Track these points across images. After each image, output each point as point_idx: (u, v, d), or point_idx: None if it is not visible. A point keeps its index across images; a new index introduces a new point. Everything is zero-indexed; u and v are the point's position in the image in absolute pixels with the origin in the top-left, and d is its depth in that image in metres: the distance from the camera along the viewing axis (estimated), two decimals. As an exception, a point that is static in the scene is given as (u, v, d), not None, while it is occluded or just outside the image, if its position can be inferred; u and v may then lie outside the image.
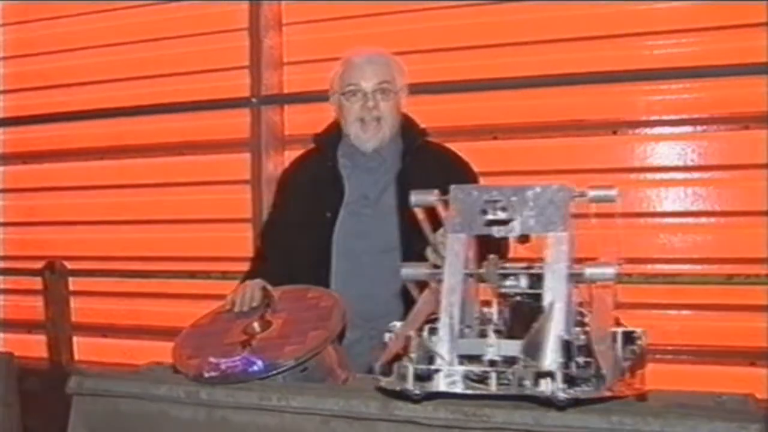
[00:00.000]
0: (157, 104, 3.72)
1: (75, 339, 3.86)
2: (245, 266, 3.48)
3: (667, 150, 3.14)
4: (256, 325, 1.74)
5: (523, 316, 1.47)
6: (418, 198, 1.57)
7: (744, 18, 2.94)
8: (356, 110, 2.09)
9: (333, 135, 2.18)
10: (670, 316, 2.96)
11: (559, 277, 1.41)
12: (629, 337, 1.49)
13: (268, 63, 3.59)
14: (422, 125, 2.21)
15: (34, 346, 3.89)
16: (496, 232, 1.45)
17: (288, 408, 1.50)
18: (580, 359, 1.32)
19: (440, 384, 1.34)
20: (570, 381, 1.30)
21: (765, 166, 2.96)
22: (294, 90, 3.67)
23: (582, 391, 1.29)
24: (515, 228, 1.44)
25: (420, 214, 1.59)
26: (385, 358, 1.40)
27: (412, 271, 1.53)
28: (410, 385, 1.33)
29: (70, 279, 3.84)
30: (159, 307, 3.69)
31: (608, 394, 1.30)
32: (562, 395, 1.26)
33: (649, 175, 3.14)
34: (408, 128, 2.16)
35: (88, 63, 3.88)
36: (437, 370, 1.35)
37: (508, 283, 1.49)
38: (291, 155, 3.65)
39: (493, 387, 1.34)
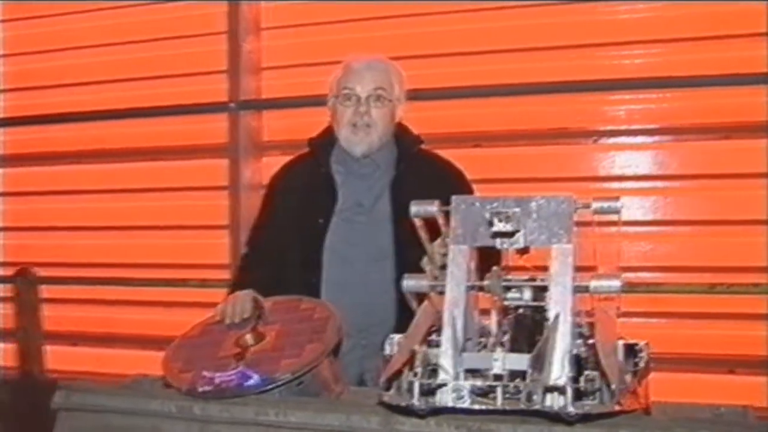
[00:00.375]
0: (133, 108, 3.65)
1: (46, 348, 3.76)
2: (223, 274, 3.51)
3: (646, 159, 3.16)
4: (248, 337, 1.70)
5: (527, 329, 1.46)
6: (418, 208, 1.54)
7: (730, 28, 2.98)
8: (349, 115, 2.07)
9: (327, 140, 2.15)
10: (651, 324, 2.97)
11: (564, 290, 1.39)
12: (632, 350, 1.49)
13: (246, 67, 3.54)
14: (417, 133, 2.19)
15: (5, 355, 3.79)
16: (500, 244, 1.43)
17: (286, 424, 1.47)
18: (588, 373, 1.31)
19: (447, 399, 1.31)
20: (579, 395, 1.29)
21: (746, 175, 2.99)
22: (272, 95, 3.63)
23: (592, 406, 1.27)
24: (519, 240, 1.42)
25: (418, 222, 1.57)
26: (389, 372, 1.37)
27: (413, 282, 1.50)
28: (416, 400, 1.31)
29: (42, 287, 3.74)
30: (134, 315, 3.61)
31: (617, 408, 1.29)
32: (572, 410, 1.25)
33: (629, 184, 3.15)
34: (402, 135, 2.14)
35: (62, 65, 3.79)
36: (443, 385, 1.33)
37: (510, 295, 1.48)
38: (269, 161, 3.64)
39: (499, 401, 1.33)
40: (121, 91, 3.67)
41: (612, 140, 3.19)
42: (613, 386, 1.27)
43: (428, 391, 1.35)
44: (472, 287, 1.45)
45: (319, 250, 2.03)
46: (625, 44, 3.15)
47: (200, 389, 1.52)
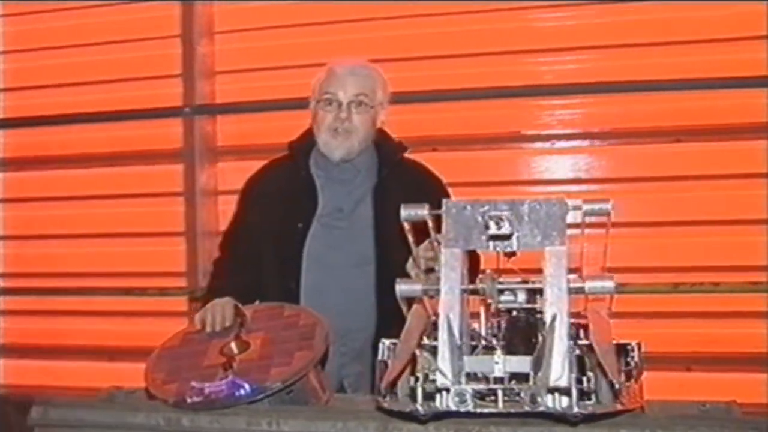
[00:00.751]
0: (85, 113, 3.54)
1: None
2: (179, 282, 3.44)
3: (600, 162, 3.22)
4: (233, 346, 1.66)
5: (521, 332, 1.47)
6: (409, 212, 1.53)
7: (684, 34, 3.08)
8: (329, 120, 2.05)
9: (307, 144, 2.12)
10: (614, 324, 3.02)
11: (560, 292, 1.40)
12: (624, 350, 1.51)
13: (201, 71, 3.48)
14: (398, 139, 2.18)
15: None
16: (494, 247, 1.43)
17: (279, 433, 1.44)
18: (590, 374, 1.33)
19: (449, 403, 1.31)
20: (580, 396, 1.31)
21: (697, 177, 3.08)
22: (225, 100, 3.57)
23: (595, 406, 1.29)
24: (513, 243, 1.43)
25: (407, 226, 1.56)
26: (389, 378, 1.36)
27: (407, 287, 1.49)
28: (419, 405, 1.30)
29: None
30: (90, 326, 3.50)
31: (620, 407, 1.30)
32: (576, 411, 1.26)
33: (586, 187, 3.21)
34: (383, 141, 2.13)
35: (8, 68, 3.66)
36: (446, 389, 1.32)
37: (504, 298, 1.49)
38: (224, 167, 3.58)
39: (500, 404, 1.33)
40: (72, 95, 3.56)
41: (568, 144, 3.25)
42: (617, 385, 1.29)
43: (427, 396, 1.35)
44: (465, 290, 1.45)
45: (298, 255, 2.01)
46: (576, 49, 3.21)
47: (189, 400, 1.48)
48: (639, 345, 1.48)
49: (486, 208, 1.47)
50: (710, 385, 2.94)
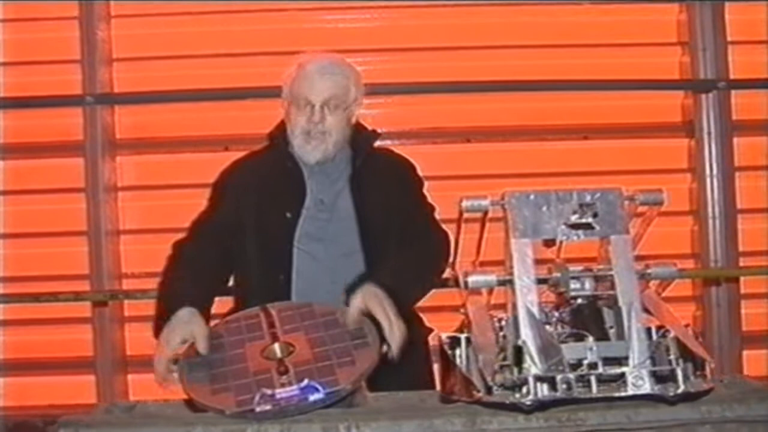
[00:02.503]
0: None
1: None
2: (82, 285, 3.14)
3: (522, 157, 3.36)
4: (276, 348, 1.56)
5: (592, 319, 1.50)
6: (470, 203, 1.52)
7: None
8: (302, 122, 1.96)
9: (283, 136, 2.03)
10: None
11: (630, 279, 1.45)
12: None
13: (101, 58, 3.22)
14: (371, 128, 2.13)
15: None
16: (576, 236, 1.46)
17: (361, 436, 1.37)
18: (674, 355, 1.39)
19: (556, 391, 1.31)
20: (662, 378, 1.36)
21: (601, 173, 3.28)
22: (123, 89, 3.34)
23: (693, 385, 1.34)
24: (595, 231, 1.46)
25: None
26: (493, 372, 1.34)
27: (481, 278, 1.48)
28: (531, 396, 1.30)
29: None
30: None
31: (711, 386, 1.37)
32: (681, 391, 1.31)
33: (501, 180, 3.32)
34: (356, 131, 2.07)
35: None
36: (544, 378, 1.33)
37: (573, 286, 1.51)
38: (123, 161, 3.34)
39: (594, 389, 1.35)
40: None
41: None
42: (712, 365, 1.36)
43: (514, 386, 1.35)
44: (539, 280, 1.46)
45: (288, 246, 1.92)
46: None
47: (258, 409, 1.37)
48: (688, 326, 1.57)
49: (553, 197, 1.50)
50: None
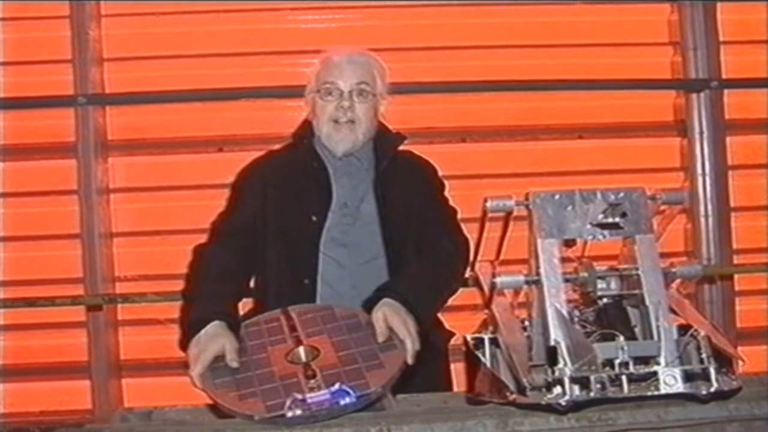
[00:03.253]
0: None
1: None
2: (76, 290, 3.08)
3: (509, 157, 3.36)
4: (301, 352, 1.54)
5: (619, 318, 1.50)
6: (495, 203, 1.51)
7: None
8: (330, 110, 1.95)
9: (307, 135, 2.01)
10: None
11: (657, 278, 1.46)
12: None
13: (93, 58, 3.17)
14: (395, 130, 2.12)
15: None
16: (604, 235, 1.46)
17: (393, 439, 1.36)
18: (705, 354, 1.39)
19: (591, 391, 1.31)
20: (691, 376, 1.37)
21: (595, 172, 3.30)
22: (114, 90, 3.28)
23: (724, 383, 1.35)
24: (624, 231, 1.46)
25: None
26: (527, 373, 1.33)
27: (508, 279, 1.47)
28: (566, 395, 1.30)
29: None
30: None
31: (740, 384, 1.38)
32: (714, 389, 1.32)
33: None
34: (380, 132, 2.06)
35: None
36: (577, 379, 1.33)
37: (600, 285, 1.51)
38: (115, 162, 3.29)
39: (625, 389, 1.36)
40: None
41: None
42: (742, 362, 1.37)
43: (548, 386, 1.35)
44: (567, 280, 1.46)
45: (314, 249, 1.90)
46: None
47: (290, 414, 1.35)
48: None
49: (577, 197, 1.50)
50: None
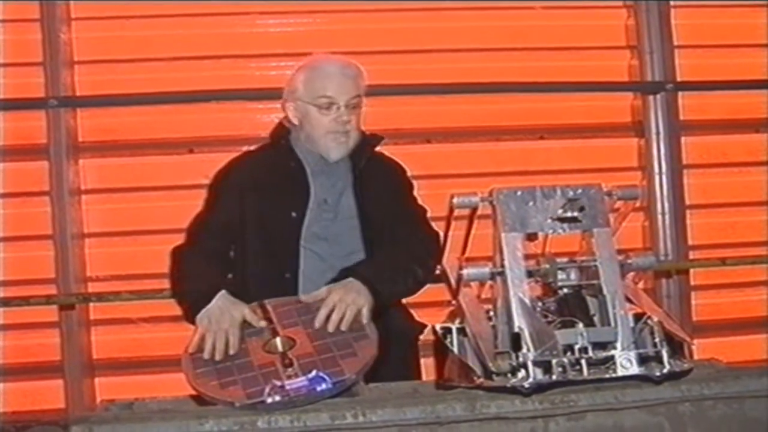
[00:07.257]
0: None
1: None
2: (48, 289, 3.11)
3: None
4: (278, 342, 1.61)
5: (578, 307, 1.59)
6: (461, 200, 1.60)
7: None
8: (327, 123, 2.00)
9: (285, 136, 2.07)
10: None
11: (614, 269, 1.55)
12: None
13: (64, 61, 3.20)
14: (370, 131, 2.19)
15: None
16: (563, 229, 1.55)
17: (367, 424, 1.41)
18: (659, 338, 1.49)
19: (552, 374, 1.40)
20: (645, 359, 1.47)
21: (556, 171, 3.40)
22: (84, 92, 3.32)
23: (676, 365, 1.45)
24: (582, 224, 1.55)
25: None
26: (491, 356, 1.42)
27: (475, 271, 1.56)
28: (530, 378, 1.38)
29: None
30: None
31: (691, 366, 1.48)
32: (666, 371, 1.42)
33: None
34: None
35: None
36: (539, 362, 1.42)
37: (560, 276, 1.60)
38: (86, 164, 3.32)
39: (585, 372, 1.45)
40: None
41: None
42: (693, 345, 1.47)
43: (512, 371, 1.44)
44: (529, 272, 1.55)
45: (295, 244, 1.97)
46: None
47: (270, 400, 1.42)
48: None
49: (539, 193, 1.59)
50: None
